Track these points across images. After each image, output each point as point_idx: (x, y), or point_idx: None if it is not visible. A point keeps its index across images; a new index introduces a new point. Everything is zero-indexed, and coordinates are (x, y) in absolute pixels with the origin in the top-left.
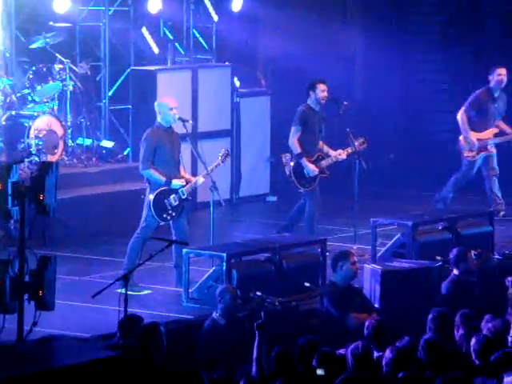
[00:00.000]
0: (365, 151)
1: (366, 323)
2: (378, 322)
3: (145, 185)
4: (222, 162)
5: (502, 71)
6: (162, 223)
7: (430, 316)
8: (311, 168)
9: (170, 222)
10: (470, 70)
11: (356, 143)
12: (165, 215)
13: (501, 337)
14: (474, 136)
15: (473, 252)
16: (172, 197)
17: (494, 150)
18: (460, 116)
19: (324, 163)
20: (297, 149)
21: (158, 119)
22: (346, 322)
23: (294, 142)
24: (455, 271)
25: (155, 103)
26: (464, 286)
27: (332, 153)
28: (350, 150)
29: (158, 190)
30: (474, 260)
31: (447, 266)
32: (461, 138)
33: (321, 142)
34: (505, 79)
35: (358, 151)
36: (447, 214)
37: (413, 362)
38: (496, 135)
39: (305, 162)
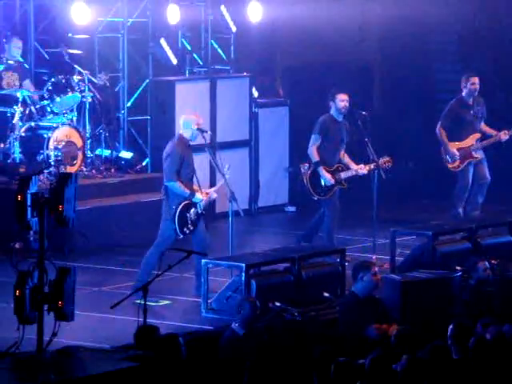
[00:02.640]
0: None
1: (393, 332)
2: (405, 332)
3: (162, 197)
4: (228, 176)
5: (475, 80)
6: (181, 236)
7: (450, 326)
8: (328, 177)
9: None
10: (488, 79)
11: (381, 160)
12: (185, 229)
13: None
14: (453, 146)
15: (492, 262)
16: (192, 211)
17: (479, 156)
18: (437, 129)
19: (343, 175)
20: (315, 157)
21: (183, 133)
22: (367, 333)
23: (312, 150)
24: (471, 281)
25: (182, 117)
26: (480, 296)
27: (353, 166)
28: (372, 166)
29: (182, 204)
30: (487, 269)
31: (466, 276)
32: (442, 150)
33: (343, 153)
34: (477, 87)
35: (381, 168)
36: (467, 224)
37: (430, 371)
38: (480, 140)
39: (322, 170)
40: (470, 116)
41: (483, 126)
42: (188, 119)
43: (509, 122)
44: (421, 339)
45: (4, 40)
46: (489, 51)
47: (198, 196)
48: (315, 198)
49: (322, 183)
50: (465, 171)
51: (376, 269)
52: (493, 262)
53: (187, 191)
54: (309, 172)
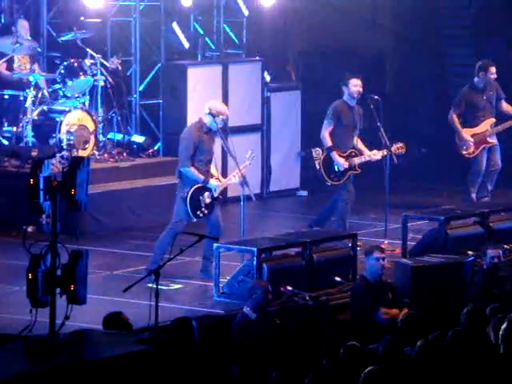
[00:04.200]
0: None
1: (400, 317)
2: (411, 316)
3: (176, 180)
4: (250, 163)
5: (493, 70)
6: (195, 220)
7: (464, 310)
8: (341, 162)
9: (204, 218)
10: (501, 63)
11: (394, 147)
12: (198, 212)
13: None
14: (468, 132)
15: (504, 246)
16: (206, 194)
17: (494, 141)
18: (450, 116)
19: (356, 160)
20: (328, 142)
21: (203, 118)
22: (376, 317)
23: (325, 135)
24: (484, 265)
25: (210, 103)
26: (492, 280)
27: (366, 152)
28: (385, 152)
29: (194, 187)
30: (495, 257)
31: (479, 260)
32: (456, 137)
33: (357, 138)
34: (496, 76)
35: (394, 154)
36: (479, 209)
37: (442, 356)
38: (495, 125)
39: (335, 155)
40: (483, 101)
41: (504, 106)
42: (218, 108)
43: None
44: (429, 324)
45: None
46: (502, 36)
47: (213, 182)
48: (329, 184)
49: (336, 168)
50: (479, 157)
51: (380, 254)
52: (505, 246)
53: (201, 177)
54: (322, 157)
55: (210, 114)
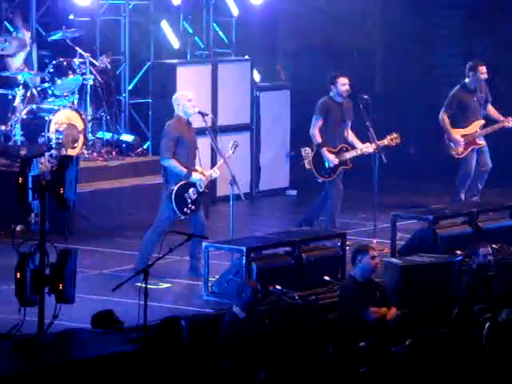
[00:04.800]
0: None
1: (393, 316)
2: (402, 315)
3: (162, 179)
4: (233, 153)
5: (484, 69)
6: (182, 217)
7: (455, 311)
8: (331, 158)
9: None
10: (490, 64)
11: (387, 137)
12: (185, 209)
13: None
14: (457, 133)
15: (492, 246)
16: (191, 190)
17: (482, 143)
18: (440, 117)
19: (347, 155)
20: (317, 139)
21: (177, 112)
22: (364, 316)
23: (314, 131)
24: (473, 265)
25: (173, 97)
26: (480, 280)
27: (359, 145)
28: (379, 143)
29: (179, 184)
30: (488, 255)
31: (467, 260)
32: (445, 137)
33: (349, 133)
34: (486, 76)
35: (386, 146)
36: (468, 208)
37: (431, 355)
38: (484, 127)
39: (324, 152)
40: (474, 102)
41: (490, 110)
42: (177, 95)
43: (511, 107)
44: (420, 323)
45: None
46: (490, 36)
47: (196, 176)
48: (319, 180)
49: (326, 165)
50: (468, 158)
51: (374, 252)
52: (494, 246)
53: (183, 170)
54: (312, 154)
55: (177, 104)
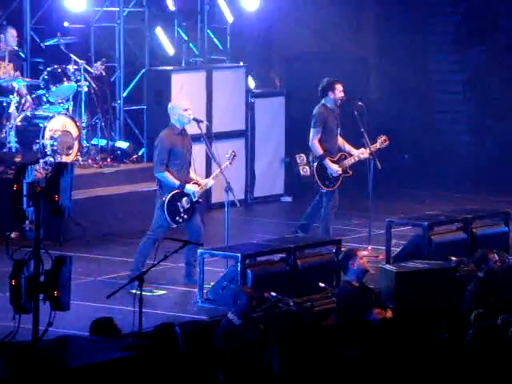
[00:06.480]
0: (379, 151)
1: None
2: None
3: (156, 187)
4: (231, 163)
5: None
6: (175, 226)
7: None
8: (334, 168)
9: (184, 224)
10: (483, 71)
11: (378, 141)
12: (177, 218)
13: None
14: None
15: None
16: (184, 199)
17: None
18: (313, 142)
19: (347, 162)
20: (319, 150)
21: (172, 121)
22: (368, 317)
23: (315, 143)
24: (479, 273)
25: (169, 105)
26: (489, 287)
27: (354, 152)
28: (372, 149)
29: (172, 193)
30: (497, 261)
31: (462, 266)
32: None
33: (342, 140)
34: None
35: (379, 149)
36: (462, 215)
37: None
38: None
39: (328, 162)
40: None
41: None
42: (174, 105)
43: (506, 109)
44: (413, 329)
45: None
46: (483, 43)
47: (189, 187)
48: (324, 191)
49: (330, 175)
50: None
51: (361, 253)
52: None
53: (177, 182)
54: (315, 165)
55: (174, 114)
